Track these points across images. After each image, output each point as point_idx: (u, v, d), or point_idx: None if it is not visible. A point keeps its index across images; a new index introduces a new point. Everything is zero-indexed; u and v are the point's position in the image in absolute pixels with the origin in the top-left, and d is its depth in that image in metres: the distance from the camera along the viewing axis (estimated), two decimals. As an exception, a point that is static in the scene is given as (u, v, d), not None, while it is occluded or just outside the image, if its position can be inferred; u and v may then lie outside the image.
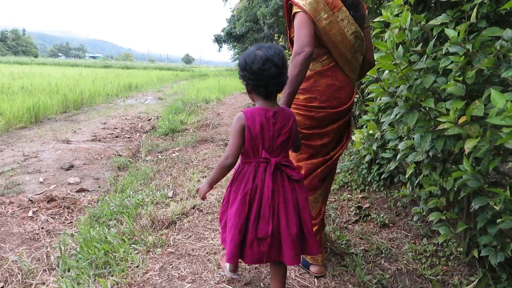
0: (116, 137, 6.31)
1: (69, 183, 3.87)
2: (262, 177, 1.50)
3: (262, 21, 23.83)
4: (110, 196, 3.15)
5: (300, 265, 2.11)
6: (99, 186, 3.82)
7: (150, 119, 8.18)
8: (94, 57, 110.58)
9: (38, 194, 3.50)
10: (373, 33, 2.62)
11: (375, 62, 2.13)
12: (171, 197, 3.14)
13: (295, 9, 1.82)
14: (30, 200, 3.26)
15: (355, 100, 3.48)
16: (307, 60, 1.74)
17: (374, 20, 2.27)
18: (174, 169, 4.10)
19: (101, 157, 4.95)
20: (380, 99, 2.21)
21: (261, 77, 1.47)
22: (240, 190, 1.52)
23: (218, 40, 30.14)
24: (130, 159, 4.84)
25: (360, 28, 1.93)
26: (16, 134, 6.18)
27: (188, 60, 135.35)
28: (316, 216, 2.08)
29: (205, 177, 3.66)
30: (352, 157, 3.91)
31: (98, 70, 26.59)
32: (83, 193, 3.58)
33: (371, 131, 2.79)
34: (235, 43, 29.84)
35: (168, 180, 3.63)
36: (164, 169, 4.10)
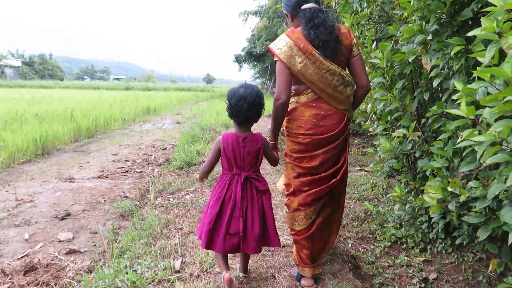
0: (126, 171, 5.66)
1: (60, 240, 3.19)
2: (235, 186, 1.96)
3: (282, 40, 23.18)
4: (98, 272, 2.41)
5: (294, 277, 2.32)
6: (94, 245, 3.13)
7: (166, 148, 7.54)
8: (117, 79, 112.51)
9: (18, 258, 2.84)
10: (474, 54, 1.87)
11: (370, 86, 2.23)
12: (178, 271, 2.40)
13: (275, 58, 2.05)
14: (3, 271, 2.59)
15: (416, 139, 2.69)
16: (283, 105, 2.02)
17: (470, 33, 1.53)
18: (185, 220, 3.38)
19: (104, 200, 4.28)
20: (485, 153, 1.43)
21: (235, 109, 1.93)
22: (216, 194, 2.00)
23: (239, 59, 29.67)
24: (137, 203, 4.16)
25: (335, 65, 2.04)
26: (17, 170, 5.62)
27: (209, 79, 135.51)
28: (303, 231, 2.18)
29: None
30: (408, 206, 3.08)
31: (118, 93, 26.55)
32: (72, 257, 2.89)
33: (450, 188, 1.98)
34: (256, 62, 29.23)
35: (176, 240, 2.90)
36: (174, 220, 3.38)
